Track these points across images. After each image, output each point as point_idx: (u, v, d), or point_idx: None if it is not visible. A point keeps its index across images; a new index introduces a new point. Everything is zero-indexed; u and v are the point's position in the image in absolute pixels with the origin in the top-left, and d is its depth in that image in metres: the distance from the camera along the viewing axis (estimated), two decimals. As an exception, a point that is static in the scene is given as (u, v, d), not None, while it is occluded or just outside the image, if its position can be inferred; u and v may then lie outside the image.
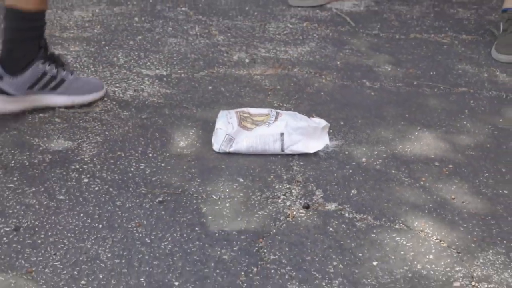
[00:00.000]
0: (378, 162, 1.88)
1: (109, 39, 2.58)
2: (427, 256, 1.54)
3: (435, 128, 2.06)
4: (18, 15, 1.93)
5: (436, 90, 2.29)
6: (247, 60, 2.44)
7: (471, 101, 2.22)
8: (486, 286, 1.47)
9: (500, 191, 1.78)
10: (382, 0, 3.10)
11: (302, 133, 1.89)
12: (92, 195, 1.70)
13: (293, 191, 1.75)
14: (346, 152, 1.91)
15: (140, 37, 2.60)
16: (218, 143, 1.90)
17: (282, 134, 1.89)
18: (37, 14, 1.96)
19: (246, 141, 1.88)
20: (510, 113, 2.16)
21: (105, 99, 2.14)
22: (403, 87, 2.30)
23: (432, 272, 1.49)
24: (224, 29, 2.71)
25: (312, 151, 1.89)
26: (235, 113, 1.95)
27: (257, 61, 2.44)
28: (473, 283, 1.47)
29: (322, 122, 1.95)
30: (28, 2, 1.91)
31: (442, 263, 1.52)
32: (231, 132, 1.89)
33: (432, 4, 3.06)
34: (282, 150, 1.89)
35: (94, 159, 1.84)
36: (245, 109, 1.99)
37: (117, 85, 2.23)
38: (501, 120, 2.12)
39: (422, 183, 1.80)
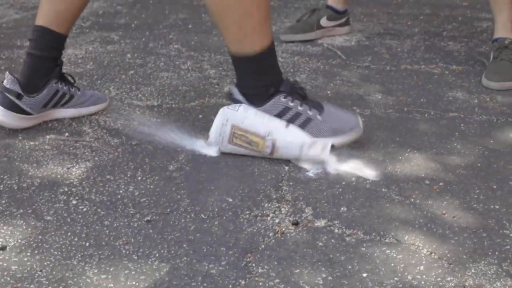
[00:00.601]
0: (368, 181, 1.87)
1: (101, 73, 2.60)
2: (418, 268, 1.52)
3: (425, 150, 2.06)
4: (51, 35, 2.07)
5: (426, 115, 2.30)
6: (238, 91, 2.46)
7: (462, 125, 2.23)
8: (478, 295, 1.44)
9: (492, 206, 1.76)
10: (373, 35, 3.13)
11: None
12: (80, 216, 1.69)
13: (282, 209, 1.74)
14: (336, 173, 1.91)
15: (132, 72, 2.63)
16: (213, 135, 1.98)
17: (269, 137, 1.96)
18: (64, 37, 2.11)
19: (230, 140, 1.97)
20: (500, 135, 2.16)
21: (96, 128, 2.15)
22: (393, 113, 2.30)
23: (423, 283, 1.47)
24: (216, 63, 2.74)
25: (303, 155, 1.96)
26: (231, 127, 1.96)
27: (248, 91, 2.46)
28: (464, 293, 1.45)
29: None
30: (60, 26, 2.08)
31: (433, 273, 1.50)
32: (220, 145, 1.96)
33: (423, 38, 3.10)
34: (272, 152, 1.97)
35: (83, 182, 1.84)
36: (241, 126, 1.97)
37: (108, 115, 2.24)
38: (491, 141, 2.12)
39: (412, 200, 1.79)
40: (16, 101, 2.05)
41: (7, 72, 2.08)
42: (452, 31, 3.21)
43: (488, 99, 2.44)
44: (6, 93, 2.05)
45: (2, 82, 2.08)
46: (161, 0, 3.71)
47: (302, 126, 1.96)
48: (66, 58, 2.75)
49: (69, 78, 2.20)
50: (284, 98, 1.97)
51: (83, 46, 2.92)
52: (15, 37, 3.03)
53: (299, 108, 1.98)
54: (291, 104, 1.97)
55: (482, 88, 2.54)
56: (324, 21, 3.07)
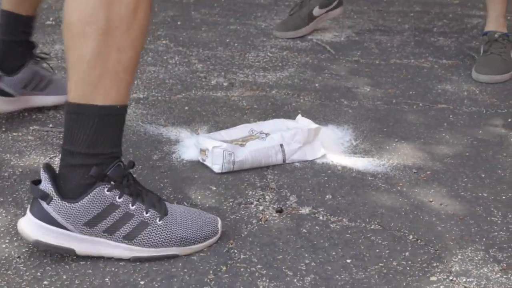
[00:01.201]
0: (354, 170, 1.85)
1: (88, 68, 2.57)
2: (403, 254, 1.49)
3: (413, 140, 2.03)
4: (16, 19, 2.04)
5: (415, 107, 2.28)
6: (225, 84, 2.44)
7: (450, 116, 2.21)
8: (464, 280, 1.42)
9: (480, 194, 1.74)
10: (363, 31, 3.11)
11: (299, 141, 1.88)
12: (60, 204, 1.65)
13: (266, 197, 1.71)
14: (321, 162, 1.88)
15: (119, 66, 2.60)
16: (219, 163, 1.79)
17: (281, 145, 1.86)
18: (31, 19, 2.08)
19: (250, 156, 1.82)
20: (489, 126, 2.14)
21: (80, 119, 2.12)
22: (382, 105, 2.28)
23: (408, 268, 1.45)
24: (204, 58, 2.72)
25: (310, 158, 1.88)
26: (219, 135, 1.91)
27: (235, 84, 2.44)
28: (451, 277, 1.42)
29: (312, 124, 1.93)
30: (25, 8, 2.03)
31: (418, 259, 1.47)
32: (227, 147, 1.81)
33: (413, 34, 3.08)
34: (284, 161, 1.86)
35: (65, 171, 1.80)
36: (224, 131, 1.94)
37: (93, 107, 2.21)
38: (480, 132, 2.09)
39: (399, 188, 1.76)
40: None
41: None
42: (442, 27, 3.19)
43: (477, 92, 2.42)
44: None
45: None
46: (151, -2, 3.69)
47: (133, 233, 1.43)
48: (53, 54, 2.72)
49: (44, 56, 2.17)
50: (109, 191, 1.42)
51: (71, 41, 2.89)
52: (2, 33, 3.00)
53: (130, 207, 1.44)
54: (118, 200, 1.43)
55: (472, 81, 2.52)
56: (316, 11, 3.04)
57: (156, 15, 3.33)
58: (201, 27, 3.13)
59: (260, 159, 1.84)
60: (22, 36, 2.08)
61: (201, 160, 1.85)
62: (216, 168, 1.80)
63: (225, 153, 1.80)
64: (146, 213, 1.44)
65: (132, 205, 1.43)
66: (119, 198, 1.42)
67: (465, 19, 3.34)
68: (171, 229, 1.45)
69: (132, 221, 1.43)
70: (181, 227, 1.46)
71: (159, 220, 1.45)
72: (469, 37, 3.05)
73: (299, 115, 2.02)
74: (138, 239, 1.43)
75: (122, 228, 1.43)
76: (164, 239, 1.44)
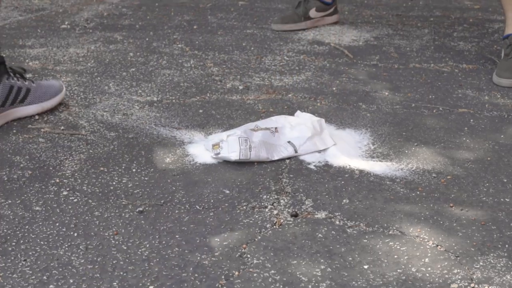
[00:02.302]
0: (372, 174, 1.79)
1: (101, 71, 2.54)
2: (423, 260, 1.43)
3: (433, 144, 1.97)
4: None
5: (434, 111, 2.22)
6: (240, 87, 2.39)
7: (471, 120, 2.14)
8: (486, 287, 1.35)
9: (502, 199, 1.68)
10: (382, 35, 3.06)
11: (307, 133, 1.88)
12: (70, 207, 1.62)
13: (281, 201, 1.66)
14: (338, 166, 1.83)
15: (133, 69, 2.57)
16: (236, 150, 1.78)
17: (289, 142, 1.86)
18: None
19: (264, 145, 1.82)
20: (511, 131, 2.08)
21: (92, 122, 2.09)
22: (401, 109, 2.22)
23: (427, 275, 1.39)
24: (219, 62, 2.67)
25: (321, 148, 1.88)
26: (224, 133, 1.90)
27: (251, 88, 2.39)
28: (472, 285, 1.36)
29: (313, 117, 1.94)
30: None
31: (438, 266, 1.41)
32: (241, 133, 1.81)
33: (433, 39, 3.02)
34: (296, 151, 1.86)
35: (76, 174, 1.77)
36: (229, 131, 1.92)
37: (106, 109, 2.18)
38: (502, 136, 2.03)
39: (418, 192, 1.71)
40: None
41: None
42: (462, 32, 3.13)
43: (499, 96, 2.35)
44: None
45: None
46: (167, 3, 3.66)
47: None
48: (67, 57, 2.69)
49: (19, 70, 2.11)
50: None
51: (85, 45, 2.86)
52: (17, 37, 2.98)
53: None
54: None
55: (493, 85, 2.45)
56: (313, 12, 3.14)
57: (171, 19, 3.30)
58: (217, 31, 3.09)
59: (272, 151, 1.83)
60: None
61: (214, 156, 1.82)
62: (234, 156, 1.78)
63: (241, 140, 1.80)
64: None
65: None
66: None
67: (486, 24, 3.28)
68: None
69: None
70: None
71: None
72: (490, 41, 2.98)
73: (298, 111, 2.02)
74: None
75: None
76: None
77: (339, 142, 1.92)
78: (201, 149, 1.90)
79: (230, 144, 1.80)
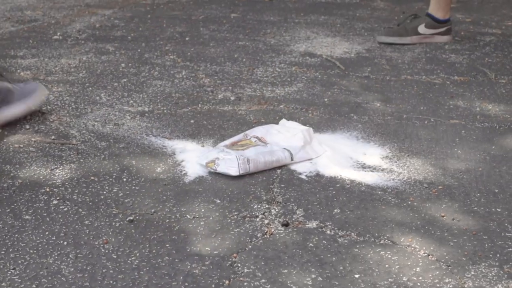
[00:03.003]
0: (363, 184, 1.79)
1: (93, 81, 2.54)
2: (414, 269, 1.43)
3: (424, 154, 1.97)
4: None
5: (426, 122, 2.22)
6: (232, 98, 2.39)
7: (463, 131, 2.15)
8: (477, 297, 1.35)
9: (493, 209, 1.68)
10: (374, 48, 3.07)
11: (299, 142, 1.90)
12: (60, 215, 1.61)
13: (272, 210, 1.65)
14: (330, 176, 1.83)
15: (125, 80, 2.56)
16: (234, 166, 1.78)
17: (285, 148, 1.87)
18: None
19: (261, 156, 1.82)
20: (503, 142, 2.08)
21: (83, 131, 2.08)
22: (392, 120, 2.23)
23: (419, 284, 1.38)
24: (211, 73, 2.68)
25: (314, 156, 1.89)
26: (221, 147, 1.88)
27: (243, 99, 2.39)
28: (463, 294, 1.36)
29: (300, 126, 1.96)
30: None
31: (430, 275, 1.41)
32: (236, 153, 1.81)
33: (424, 51, 3.03)
34: (292, 159, 1.86)
35: (66, 183, 1.76)
36: (226, 142, 1.93)
37: (97, 119, 2.18)
38: (493, 147, 2.03)
39: (409, 202, 1.70)
40: None
41: None
42: (454, 45, 3.15)
43: (490, 107, 2.36)
44: None
45: None
46: (159, 15, 3.67)
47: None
48: (59, 67, 2.69)
49: None
50: None
51: (77, 56, 2.86)
52: (9, 48, 2.98)
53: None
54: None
55: (485, 97, 2.46)
56: (422, 28, 3.09)
57: (164, 31, 3.31)
58: (209, 43, 3.10)
59: (271, 159, 1.83)
60: None
61: (212, 170, 1.80)
62: (233, 171, 1.78)
63: (237, 155, 1.79)
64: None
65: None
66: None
67: (477, 37, 3.29)
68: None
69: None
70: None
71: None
72: (481, 54, 3.00)
73: (283, 119, 2.05)
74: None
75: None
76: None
77: (330, 151, 1.92)
78: (193, 159, 1.90)
79: (228, 161, 1.79)
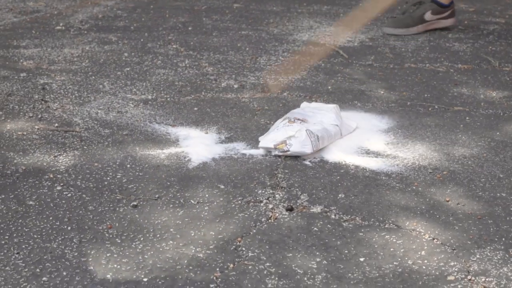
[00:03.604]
0: (367, 170, 1.78)
1: (96, 70, 2.53)
2: (419, 253, 1.42)
3: (428, 140, 1.97)
4: None
5: (430, 109, 2.21)
6: (235, 86, 2.38)
7: (467, 118, 2.14)
8: (483, 279, 1.34)
9: (498, 194, 1.67)
10: (377, 37, 3.06)
11: (339, 118, 1.96)
12: (63, 201, 1.60)
13: (276, 195, 1.65)
14: (334, 162, 1.82)
15: (128, 69, 2.56)
16: (308, 143, 1.80)
17: (332, 124, 1.91)
18: None
19: (324, 132, 1.86)
20: (507, 128, 2.07)
21: (87, 119, 2.08)
22: (396, 107, 2.22)
23: (424, 267, 1.38)
24: (214, 61, 2.67)
25: (352, 130, 1.98)
26: (280, 125, 1.88)
27: (246, 87, 2.38)
28: (469, 277, 1.35)
29: (328, 105, 2.02)
30: None
31: (435, 258, 1.40)
32: (302, 127, 1.83)
33: (428, 40, 3.02)
34: (341, 134, 1.93)
35: (70, 169, 1.76)
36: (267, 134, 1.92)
37: (100, 107, 2.17)
38: (498, 133, 2.02)
39: (414, 187, 1.70)
40: None
41: None
42: (457, 33, 3.14)
43: (494, 95, 2.35)
44: None
45: None
46: (162, 5, 3.66)
47: None
48: (62, 57, 2.69)
49: None
50: None
51: (80, 46, 2.85)
52: (12, 38, 2.97)
53: None
54: None
55: (489, 84, 2.45)
56: (428, 15, 3.08)
57: (166, 21, 3.30)
58: (212, 33, 3.09)
59: (331, 134, 1.88)
60: None
61: (280, 153, 1.81)
62: (309, 149, 1.80)
63: (308, 132, 1.81)
64: None
65: None
66: None
67: (480, 26, 3.28)
68: None
69: None
70: None
71: None
72: (485, 42, 2.99)
73: (305, 102, 2.08)
74: None
75: None
76: None
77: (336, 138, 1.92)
78: (196, 145, 1.89)
79: (301, 139, 1.81)
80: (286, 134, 1.82)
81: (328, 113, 1.94)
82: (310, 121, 1.88)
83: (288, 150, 1.80)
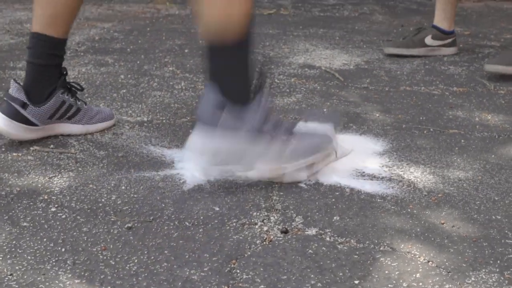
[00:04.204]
0: (362, 192, 1.78)
1: (92, 92, 2.54)
2: (414, 275, 1.42)
3: (423, 163, 1.97)
4: (47, 41, 1.97)
5: (425, 131, 2.22)
6: (231, 108, 2.39)
7: (462, 141, 2.15)
8: (478, 303, 1.34)
9: (493, 217, 1.67)
10: (372, 60, 3.07)
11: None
12: (58, 222, 1.60)
13: (271, 218, 1.65)
14: (329, 184, 1.82)
15: (124, 91, 2.56)
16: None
17: None
18: (62, 42, 2.01)
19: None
20: (502, 150, 2.08)
21: (82, 141, 2.08)
22: (391, 130, 2.23)
23: (419, 290, 1.37)
24: (210, 84, 2.67)
25: (347, 153, 1.98)
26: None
27: (242, 109, 2.38)
28: (463, 300, 1.35)
29: (324, 125, 2.02)
30: (57, 31, 1.98)
31: (430, 281, 1.40)
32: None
33: (423, 63, 3.04)
34: (336, 156, 1.92)
35: (64, 191, 1.75)
36: None
37: (96, 129, 2.17)
38: (493, 156, 2.03)
39: (409, 210, 1.70)
40: (21, 110, 1.95)
41: (12, 80, 1.99)
42: (453, 57, 3.15)
43: (489, 118, 2.36)
44: (10, 102, 1.94)
45: (7, 91, 1.99)
46: (159, 28, 3.68)
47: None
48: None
49: (76, 86, 2.10)
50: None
51: (76, 67, 2.86)
52: (8, 59, 2.98)
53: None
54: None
55: (484, 107, 2.46)
56: (429, 40, 3.08)
57: (163, 43, 3.31)
58: (209, 55, 3.10)
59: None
60: (52, 60, 2.00)
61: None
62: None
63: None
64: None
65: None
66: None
67: (476, 49, 3.30)
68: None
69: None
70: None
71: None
72: (480, 65, 3.00)
73: (300, 122, 2.05)
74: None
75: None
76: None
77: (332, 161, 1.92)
78: (191, 168, 1.89)
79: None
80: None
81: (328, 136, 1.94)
82: None
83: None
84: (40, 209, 1.66)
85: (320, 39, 3.46)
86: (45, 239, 1.53)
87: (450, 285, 1.39)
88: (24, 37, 3.42)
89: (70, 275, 1.39)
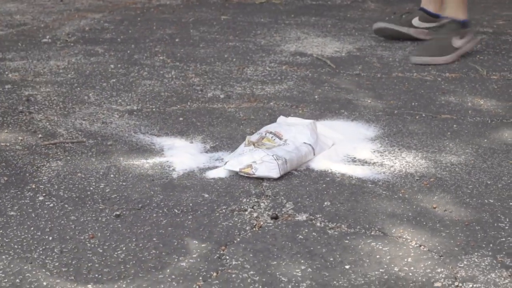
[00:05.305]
0: (353, 177, 1.77)
1: (82, 82, 2.51)
2: (405, 259, 1.40)
3: (415, 148, 1.95)
4: None
5: (417, 117, 2.20)
6: (221, 96, 2.37)
7: (454, 125, 2.13)
8: (471, 286, 1.32)
9: (486, 201, 1.65)
10: (364, 47, 3.05)
11: (314, 135, 1.89)
12: (45, 211, 1.58)
13: (261, 204, 1.63)
14: (320, 170, 1.80)
15: (114, 80, 2.54)
16: (275, 168, 1.72)
17: (305, 143, 1.85)
18: None
19: (294, 154, 1.78)
20: (495, 135, 2.06)
21: (71, 130, 2.05)
22: (383, 116, 2.21)
23: (410, 274, 1.36)
24: (201, 72, 2.65)
25: (327, 149, 1.91)
26: (246, 149, 1.81)
27: (232, 97, 2.37)
28: (456, 283, 1.33)
29: (305, 120, 1.95)
30: None
31: (421, 265, 1.39)
32: (269, 152, 1.76)
33: (415, 49, 3.01)
34: (314, 153, 1.86)
35: (52, 180, 1.73)
36: (246, 143, 1.86)
37: (85, 118, 2.15)
38: (485, 140, 2.01)
39: (401, 194, 1.68)
40: None
41: None
42: (445, 43, 3.13)
43: (482, 103, 2.34)
44: None
45: None
46: (149, 17, 3.65)
47: None
48: (47, 69, 2.67)
49: None
50: None
51: (66, 58, 2.84)
52: (-3, 51, 2.95)
53: None
54: None
55: (476, 93, 2.44)
56: (416, 21, 3.03)
57: (153, 33, 3.29)
58: (199, 44, 3.08)
59: (300, 155, 1.81)
60: None
61: (247, 175, 1.74)
62: (275, 173, 1.73)
63: (275, 156, 1.74)
64: None
65: None
66: None
67: (468, 35, 3.27)
68: None
69: None
70: None
71: None
72: (473, 51, 2.98)
73: (281, 116, 2.02)
74: None
75: None
76: None
77: (323, 148, 1.90)
78: (180, 155, 1.87)
79: (267, 164, 1.73)
80: (252, 159, 1.75)
81: (304, 129, 1.87)
82: (284, 136, 1.84)
83: (254, 174, 1.74)
84: (28, 198, 1.64)
85: (312, 27, 3.44)
86: (32, 228, 1.51)
87: (442, 269, 1.37)
88: (14, 29, 3.39)
89: (57, 264, 1.37)
